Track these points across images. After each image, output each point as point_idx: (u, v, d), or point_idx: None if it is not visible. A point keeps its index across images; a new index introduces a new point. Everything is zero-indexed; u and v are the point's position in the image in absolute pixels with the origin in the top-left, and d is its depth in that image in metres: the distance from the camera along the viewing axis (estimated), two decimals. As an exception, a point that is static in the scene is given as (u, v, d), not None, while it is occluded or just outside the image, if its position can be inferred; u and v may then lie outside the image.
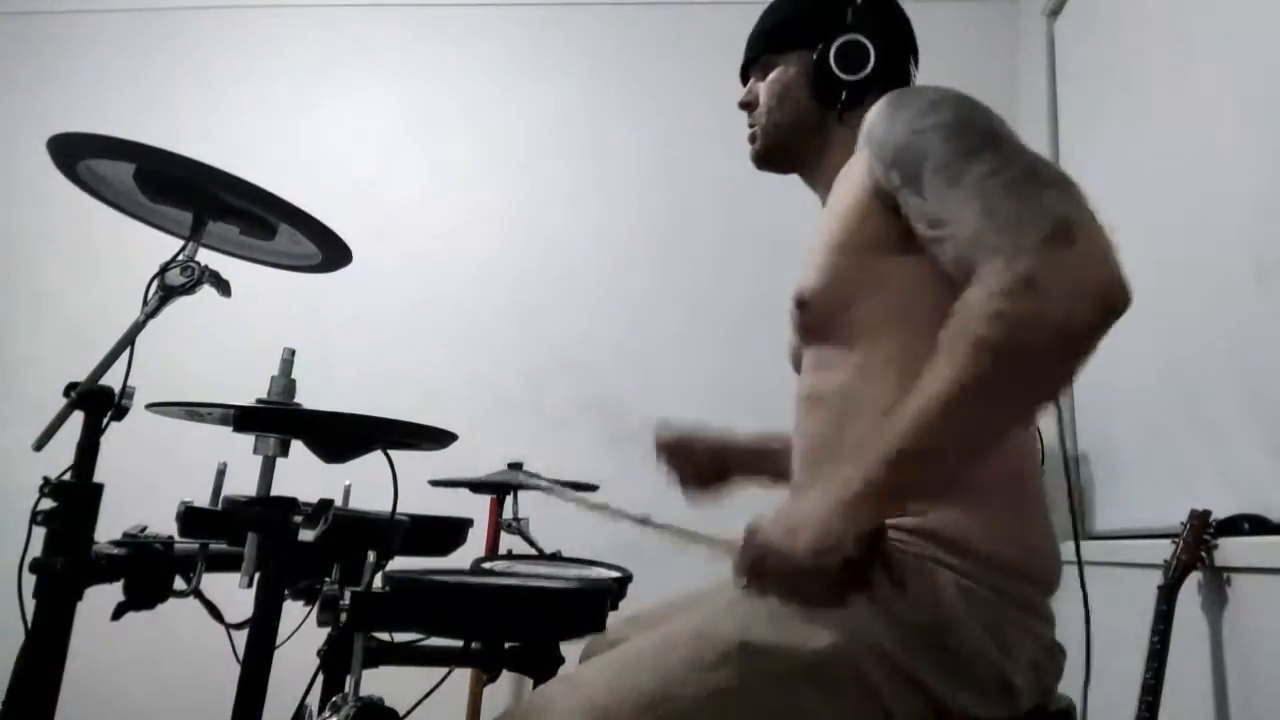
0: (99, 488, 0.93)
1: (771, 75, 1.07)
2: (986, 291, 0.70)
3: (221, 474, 1.05)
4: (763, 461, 1.21)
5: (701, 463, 1.21)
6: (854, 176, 0.91)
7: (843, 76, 1.00)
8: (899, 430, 0.72)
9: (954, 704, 0.77)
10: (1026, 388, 0.72)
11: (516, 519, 1.71)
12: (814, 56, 1.02)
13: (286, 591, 1.02)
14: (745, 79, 1.13)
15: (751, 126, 1.10)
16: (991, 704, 0.79)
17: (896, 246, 0.86)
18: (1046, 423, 2.11)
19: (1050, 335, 0.69)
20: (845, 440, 0.89)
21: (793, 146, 1.07)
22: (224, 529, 1.01)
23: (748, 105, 1.10)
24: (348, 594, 0.89)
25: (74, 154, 1.00)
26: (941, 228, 0.78)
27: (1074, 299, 0.68)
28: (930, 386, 0.71)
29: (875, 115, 0.89)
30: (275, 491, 1.02)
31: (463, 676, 1.91)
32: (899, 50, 1.05)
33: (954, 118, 0.82)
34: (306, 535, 0.97)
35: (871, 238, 0.88)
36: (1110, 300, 0.68)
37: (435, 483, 1.59)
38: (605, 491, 1.69)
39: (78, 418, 0.93)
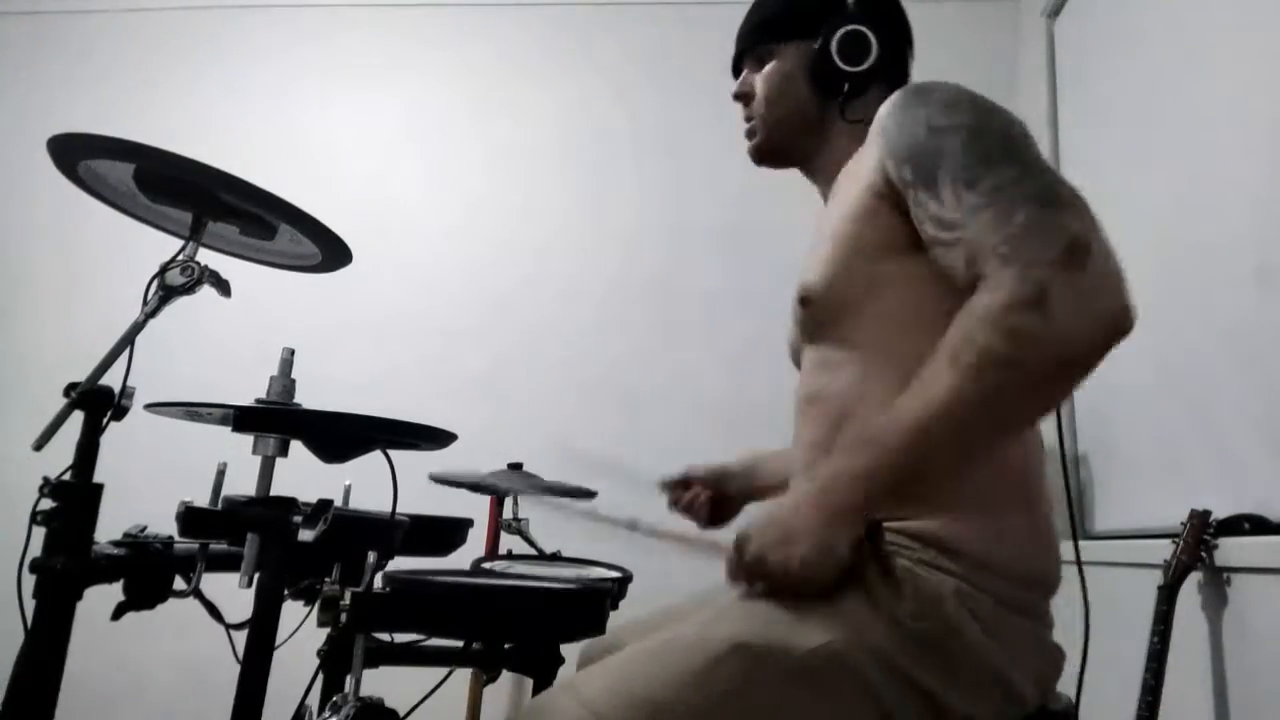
0: (99, 488, 0.93)
1: (769, 67, 1.04)
2: (996, 301, 0.71)
3: (221, 474, 1.05)
4: (750, 482, 1.25)
5: (705, 498, 1.24)
6: (861, 173, 0.90)
7: (845, 68, 0.99)
8: (894, 434, 0.73)
9: (955, 706, 0.76)
10: (1025, 401, 0.74)
11: (516, 519, 1.71)
12: (814, 47, 1.00)
13: (286, 591, 1.02)
14: (737, 72, 1.10)
15: (749, 120, 1.07)
16: (993, 706, 0.78)
17: (903, 248, 0.85)
18: (1046, 423, 2.10)
19: (1055, 354, 0.70)
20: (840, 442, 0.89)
21: (793, 140, 1.05)
22: (224, 529, 1.01)
23: (744, 97, 1.07)
24: (348, 594, 0.89)
25: (74, 154, 1.00)
26: (952, 230, 0.78)
27: (1083, 321, 0.69)
28: (929, 392, 0.72)
29: (888, 110, 0.88)
30: (275, 491, 1.02)
31: (463, 676, 1.91)
32: (899, 43, 1.04)
33: (974, 120, 0.81)
34: (306, 535, 0.97)
35: (878, 238, 0.87)
36: (1118, 326, 0.70)
37: (435, 478, 1.58)
38: (604, 497, 1.69)
39: (78, 418, 0.93)
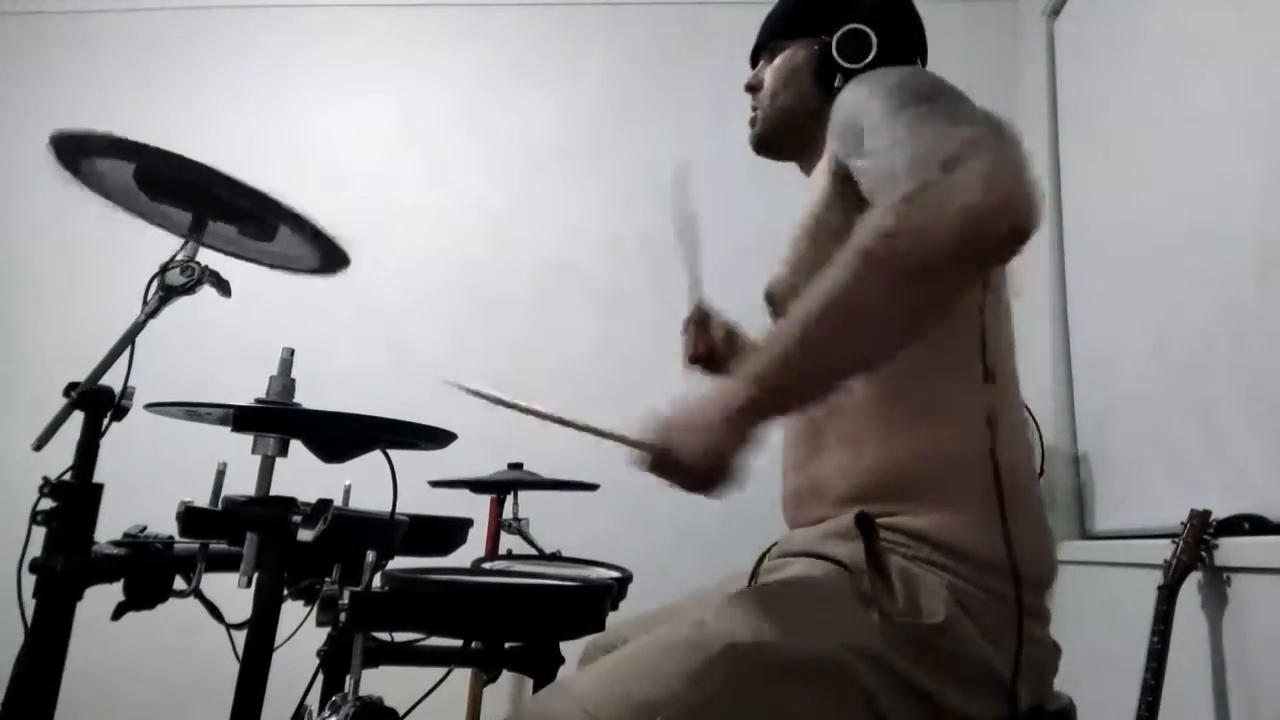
0: (99, 488, 0.93)
1: (778, 60, 1.08)
2: (878, 209, 0.73)
3: (221, 474, 1.05)
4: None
5: (712, 346, 1.32)
6: (823, 165, 0.95)
7: (844, 65, 1.01)
8: (784, 336, 0.75)
9: (952, 706, 0.76)
10: (895, 301, 0.72)
11: (516, 519, 1.71)
12: (820, 44, 1.03)
13: (286, 591, 1.02)
14: (754, 64, 1.14)
15: (754, 110, 1.11)
16: (988, 704, 0.78)
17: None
18: (1048, 423, 2.11)
19: (918, 252, 0.69)
20: (828, 437, 0.91)
21: (791, 133, 1.08)
22: (224, 529, 1.01)
23: (753, 88, 1.12)
24: (347, 594, 0.89)
25: (75, 152, 1.00)
26: (869, 176, 0.81)
27: (942, 220, 0.68)
28: (814, 292, 0.73)
29: (838, 99, 0.91)
30: (275, 491, 1.02)
31: (463, 676, 1.91)
32: (905, 45, 1.05)
33: (896, 82, 0.84)
34: (306, 535, 0.97)
35: (838, 226, 0.89)
36: (980, 228, 0.68)
37: (435, 483, 1.59)
38: (605, 490, 1.70)
39: (78, 418, 0.93)
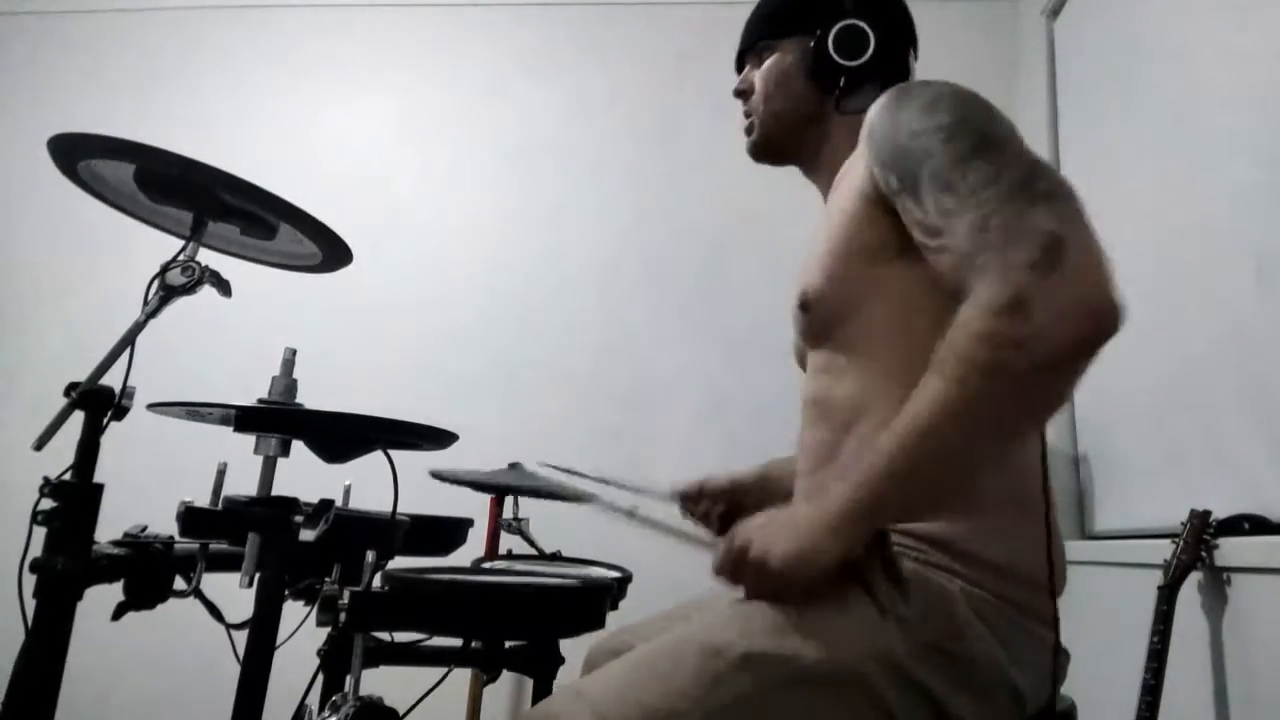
0: (99, 488, 0.93)
1: (768, 62, 1.05)
2: (976, 311, 0.71)
3: (222, 474, 1.05)
4: (765, 493, 1.21)
5: (715, 507, 1.22)
6: (854, 178, 0.90)
7: (841, 62, 0.99)
8: (886, 450, 0.73)
9: (961, 711, 0.76)
10: (1013, 406, 0.72)
11: (516, 519, 1.71)
12: (812, 42, 1.01)
13: (287, 591, 1.02)
14: (740, 68, 1.11)
15: (748, 116, 1.08)
16: (999, 710, 0.78)
17: (899, 252, 0.85)
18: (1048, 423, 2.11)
19: (1037, 358, 0.69)
20: (850, 444, 0.88)
21: (790, 136, 1.05)
22: (224, 529, 1.01)
23: (743, 94, 1.08)
24: (348, 594, 0.89)
25: (74, 154, 1.00)
26: (938, 238, 0.78)
27: (1061, 322, 0.68)
28: (918, 404, 0.72)
29: (875, 113, 0.88)
30: (276, 491, 1.02)
31: (463, 676, 1.91)
32: (898, 39, 1.03)
33: (952, 119, 0.80)
34: (307, 535, 0.97)
35: (873, 243, 0.87)
36: (1099, 323, 0.69)
37: (436, 474, 1.58)
38: (603, 494, 1.69)
39: (78, 418, 0.93)
